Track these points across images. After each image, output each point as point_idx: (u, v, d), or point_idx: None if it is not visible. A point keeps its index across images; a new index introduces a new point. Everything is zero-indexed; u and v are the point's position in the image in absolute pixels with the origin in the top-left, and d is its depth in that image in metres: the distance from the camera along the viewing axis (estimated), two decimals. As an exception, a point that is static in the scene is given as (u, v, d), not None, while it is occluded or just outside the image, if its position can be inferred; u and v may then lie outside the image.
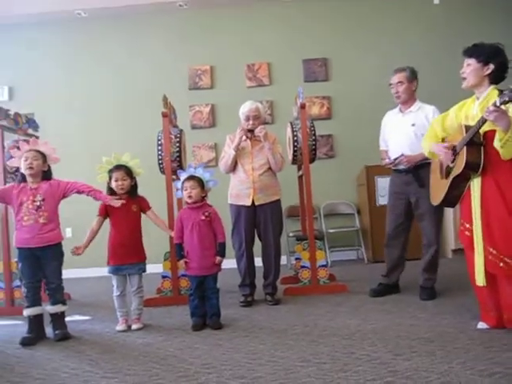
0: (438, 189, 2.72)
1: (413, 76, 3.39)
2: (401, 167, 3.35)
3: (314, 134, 3.91)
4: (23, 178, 2.93)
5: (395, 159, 3.33)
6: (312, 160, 3.92)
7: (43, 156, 2.94)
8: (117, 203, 2.94)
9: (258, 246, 3.62)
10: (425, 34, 5.70)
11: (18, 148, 3.01)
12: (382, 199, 4.99)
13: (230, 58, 5.83)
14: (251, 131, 3.51)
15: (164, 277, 3.79)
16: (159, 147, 3.83)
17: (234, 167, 3.56)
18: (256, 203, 3.48)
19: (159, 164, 3.86)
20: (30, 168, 2.86)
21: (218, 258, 2.94)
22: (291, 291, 3.76)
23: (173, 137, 3.86)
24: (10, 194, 2.89)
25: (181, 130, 4.00)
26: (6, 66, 6.02)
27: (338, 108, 5.79)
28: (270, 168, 3.53)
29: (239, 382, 1.96)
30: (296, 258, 4.09)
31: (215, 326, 2.85)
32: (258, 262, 3.62)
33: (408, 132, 3.35)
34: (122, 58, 5.94)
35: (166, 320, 3.17)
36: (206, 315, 2.93)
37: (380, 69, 5.15)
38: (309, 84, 5.64)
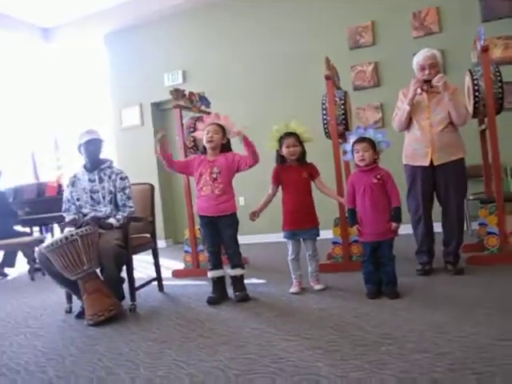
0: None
1: None
2: None
3: (500, 81, 3.37)
4: (205, 150, 3.13)
5: None
6: (498, 111, 3.39)
7: (223, 130, 3.09)
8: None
9: (436, 209, 3.30)
10: None
11: (202, 121, 3.23)
12: None
13: (392, 8, 5.36)
14: (428, 82, 3.14)
15: (335, 243, 3.75)
16: (324, 111, 3.74)
17: (408, 124, 3.26)
18: (435, 163, 3.14)
19: (324, 128, 3.78)
20: (211, 141, 3.05)
21: (394, 224, 2.75)
22: (476, 260, 3.37)
23: (337, 99, 3.72)
24: (192, 165, 3.13)
25: (345, 92, 3.84)
26: (178, 52, 6.56)
27: (529, 48, 4.90)
28: (450, 123, 3.12)
29: (423, 357, 1.81)
30: (480, 224, 3.64)
31: (391, 294, 2.70)
32: (437, 227, 3.30)
33: None
34: (279, 24, 5.94)
35: (340, 286, 3.13)
36: (381, 282, 2.80)
37: None
38: (490, 24, 4.87)
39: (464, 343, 1.90)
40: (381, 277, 2.80)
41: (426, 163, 3.15)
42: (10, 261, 5.39)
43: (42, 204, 5.56)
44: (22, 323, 3.04)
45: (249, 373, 1.83)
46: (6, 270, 5.41)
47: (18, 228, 5.55)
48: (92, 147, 3.19)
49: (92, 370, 2.05)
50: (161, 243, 6.56)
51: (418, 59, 3.18)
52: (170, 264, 4.83)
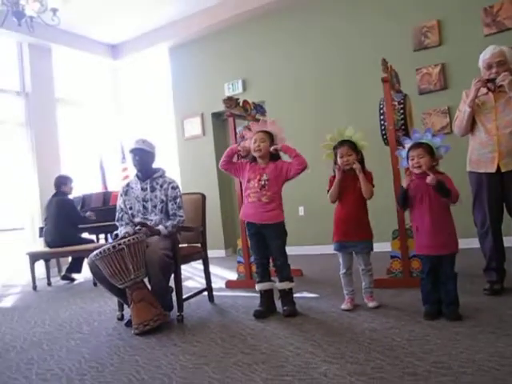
0: None
1: None
2: None
3: None
4: (255, 158, 3.06)
5: None
6: None
7: (271, 137, 3.01)
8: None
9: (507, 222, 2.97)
10: None
11: (250, 129, 3.16)
12: None
13: (460, 4, 5.00)
14: (492, 81, 2.84)
15: (393, 257, 3.50)
16: (381, 116, 3.52)
17: (471, 127, 2.96)
18: (503, 169, 2.83)
19: (382, 135, 3.56)
20: (259, 150, 2.97)
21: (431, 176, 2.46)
22: (557, 280, 2.99)
23: (396, 103, 3.50)
24: (243, 169, 3.07)
25: (405, 95, 3.60)
26: (238, 61, 6.59)
27: None
28: None
29: (483, 392, 1.58)
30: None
31: (452, 316, 2.43)
32: (508, 241, 2.97)
33: None
34: (341, 29, 5.77)
35: (396, 305, 2.89)
36: (441, 302, 2.54)
37: None
38: None
39: (532, 379, 1.64)
40: (441, 296, 2.54)
41: (493, 169, 2.85)
42: (77, 266, 5.64)
43: (108, 212, 5.76)
44: (75, 328, 3.13)
45: (282, 397, 1.70)
46: (74, 275, 5.67)
47: (85, 235, 5.82)
48: (137, 157, 3.23)
49: (127, 382, 2.02)
50: (220, 253, 6.61)
51: (485, 57, 2.90)
52: (226, 274, 4.79)
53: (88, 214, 5.59)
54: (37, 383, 2.13)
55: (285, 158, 3.05)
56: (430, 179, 2.47)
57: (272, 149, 2.97)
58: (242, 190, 4.00)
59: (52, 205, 5.39)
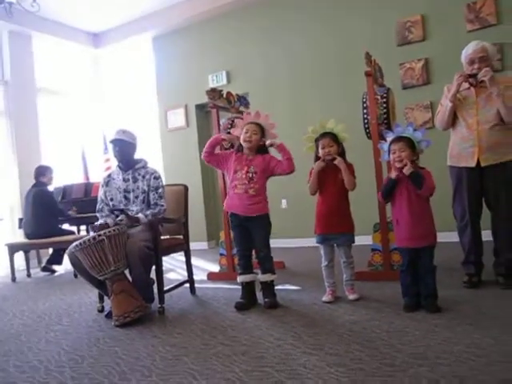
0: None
1: None
2: None
3: None
4: (240, 148, 3.03)
5: None
6: None
7: (262, 130, 3.00)
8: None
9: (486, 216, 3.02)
10: None
11: (241, 118, 3.14)
12: None
13: (445, 0, 5.03)
14: (474, 76, 2.86)
15: (374, 249, 3.53)
16: (364, 110, 3.54)
17: (453, 122, 2.99)
18: (482, 164, 2.85)
19: (365, 128, 3.58)
20: (249, 141, 2.95)
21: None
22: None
23: (379, 97, 3.51)
24: (227, 159, 3.04)
25: (388, 89, 3.62)
26: (222, 53, 6.54)
27: None
28: (502, 120, 2.82)
29: (458, 383, 1.60)
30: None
31: (431, 308, 2.47)
32: (487, 235, 3.02)
33: None
34: (326, 21, 5.76)
35: (376, 297, 2.92)
36: (420, 295, 2.57)
37: None
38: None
39: (507, 370, 1.67)
40: (420, 289, 2.57)
41: (473, 164, 2.88)
42: (57, 258, 5.57)
43: (89, 204, 5.68)
44: (55, 320, 3.09)
45: (261, 388, 1.71)
46: (54, 267, 5.59)
47: (66, 226, 5.74)
48: (117, 147, 3.19)
49: (106, 374, 2.00)
50: (203, 245, 6.59)
51: (467, 52, 2.93)
52: (209, 266, 4.78)
53: (70, 212, 5.52)
54: (14, 375, 2.10)
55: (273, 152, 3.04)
56: (406, 169, 2.51)
57: (268, 143, 2.96)
58: (224, 183, 4.01)
59: (30, 196, 5.30)
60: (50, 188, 5.56)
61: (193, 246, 3.63)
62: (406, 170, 2.51)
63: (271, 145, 2.97)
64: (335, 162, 2.89)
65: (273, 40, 6.15)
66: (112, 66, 7.87)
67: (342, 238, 2.93)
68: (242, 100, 4.41)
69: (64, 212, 5.43)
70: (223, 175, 4.01)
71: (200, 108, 6.82)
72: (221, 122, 4.15)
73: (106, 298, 3.07)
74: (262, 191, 3.00)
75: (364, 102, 3.53)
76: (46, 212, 5.20)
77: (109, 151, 6.78)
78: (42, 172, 5.42)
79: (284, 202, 5.99)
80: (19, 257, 5.49)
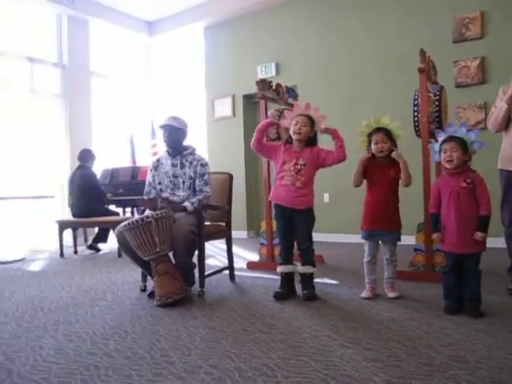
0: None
1: None
2: None
3: None
4: (289, 140, 3.05)
5: None
6: None
7: (312, 122, 3.00)
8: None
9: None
10: None
11: (291, 110, 3.16)
12: None
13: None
14: None
15: (416, 250, 3.49)
16: (415, 107, 3.47)
17: (506, 125, 2.90)
18: None
19: (415, 126, 3.51)
20: (298, 133, 2.96)
21: (479, 234, 2.44)
22: None
23: (431, 95, 3.43)
24: (277, 150, 3.05)
25: (441, 87, 3.53)
26: (273, 44, 6.54)
27: None
28: None
29: (498, 388, 1.58)
30: None
31: (474, 313, 2.42)
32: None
33: None
34: (378, 17, 5.65)
35: (416, 297, 2.89)
36: (463, 298, 2.52)
37: None
38: None
39: (551, 380, 1.63)
40: (463, 292, 2.52)
41: (525, 167, 2.79)
42: (103, 237, 5.80)
43: (135, 187, 5.87)
44: (100, 295, 3.23)
45: (298, 376, 1.74)
46: (100, 245, 5.83)
47: (113, 208, 5.96)
48: (167, 133, 3.28)
49: (148, 350, 2.09)
50: (243, 234, 6.67)
51: None
52: (248, 255, 4.85)
53: (109, 195, 5.74)
54: (63, 343, 2.23)
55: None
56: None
57: (323, 127, 2.97)
58: (269, 173, 4.04)
59: (76, 177, 5.53)
60: (96, 170, 5.77)
61: (233, 234, 3.69)
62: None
63: (326, 129, 2.96)
64: (393, 155, 2.86)
65: (325, 33, 6.10)
66: (164, 54, 8.04)
67: (388, 235, 2.91)
68: (291, 92, 4.42)
69: (105, 194, 5.66)
70: (268, 165, 4.04)
71: (247, 98, 6.87)
72: (268, 113, 4.17)
73: (148, 278, 3.19)
74: (310, 184, 2.99)
75: (416, 99, 3.46)
76: (90, 193, 5.42)
77: (156, 136, 6.97)
78: (86, 156, 5.65)
79: (326, 196, 5.97)
80: (67, 234, 5.75)
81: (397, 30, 5.50)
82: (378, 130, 2.91)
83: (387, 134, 2.89)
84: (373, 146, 2.91)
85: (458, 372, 1.72)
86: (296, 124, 2.96)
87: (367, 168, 2.96)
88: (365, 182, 3.00)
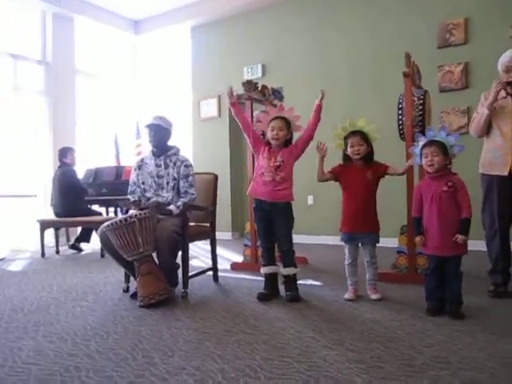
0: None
1: None
2: None
3: None
4: (269, 143, 3.05)
5: None
6: None
7: (288, 125, 3.01)
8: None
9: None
10: None
11: (267, 113, 3.17)
12: None
13: (490, 4, 4.91)
14: (511, 84, 2.82)
15: (399, 252, 3.52)
16: (399, 111, 3.51)
17: (487, 130, 2.96)
18: None
19: (399, 130, 3.55)
20: (276, 139, 2.98)
21: (460, 237, 2.46)
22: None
23: (415, 99, 3.47)
24: (260, 144, 3.07)
25: (425, 91, 3.57)
26: (259, 46, 6.55)
27: None
28: None
29: (478, 389, 1.60)
30: None
31: (455, 314, 2.45)
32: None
33: None
34: (365, 20, 5.70)
35: (399, 299, 2.92)
36: (444, 300, 2.55)
37: None
38: None
39: (529, 380, 1.66)
40: (445, 294, 2.55)
41: (505, 172, 2.85)
42: (86, 237, 5.73)
43: (119, 186, 5.81)
44: (81, 296, 3.19)
45: (281, 377, 1.73)
46: (82, 246, 5.76)
47: (96, 208, 5.89)
48: (152, 132, 3.26)
49: (130, 351, 2.07)
50: (227, 235, 6.66)
51: (504, 60, 2.89)
52: (232, 256, 4.84)
53: (90, 191, 5.70)
54: (43, 345, 2.19)
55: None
56: (459, 239, 2.47)
57: (320, 97, 3.10)
58: (253, 168, 4.02)
59: (56, 177, 5.47)
60: (79, 170, 5.71)
61: (217, 235, 3.67)
62: (460, 240, 2.46)
63: (321, 99, 3.08)
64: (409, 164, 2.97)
65: (309, 36, 6.14)
66: (149, 53, 7.99)
67: (367, 237, 2.93)
68: (277, 94, 4.43)
69: (86, 191, 5.59)
70: (253, 167, 4.02)
71: (233, 99, 6.85)
72: (254, 114, 4.17)
73: (131, 278, 3.15)
74: (289, 179, 3.00)
75: (400, 103, 3.50)
76: (71, 192, 5.36)
77: (141, 136, 6.91)
78: (64, 153, 5.58)
79: (310, 198, 5.99)
80: (49, 234, 5.67)
81: (380, 33, 5.56)
82: (354, 133, 2.94)
83: (363, 136, 2.92)
84: (349, 149, 2.94)
85: (439, 372, 1.73)
86: (272, 130, 2.97)
87: (343, 172, 3.00)
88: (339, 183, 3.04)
